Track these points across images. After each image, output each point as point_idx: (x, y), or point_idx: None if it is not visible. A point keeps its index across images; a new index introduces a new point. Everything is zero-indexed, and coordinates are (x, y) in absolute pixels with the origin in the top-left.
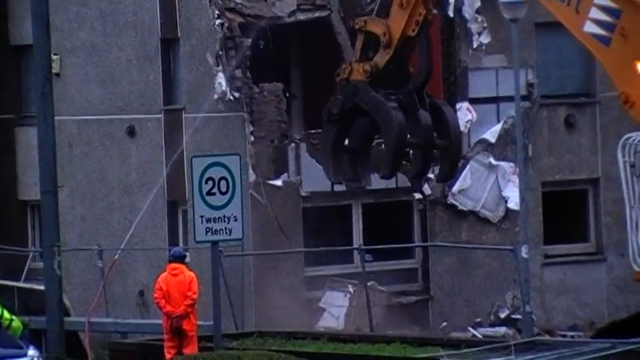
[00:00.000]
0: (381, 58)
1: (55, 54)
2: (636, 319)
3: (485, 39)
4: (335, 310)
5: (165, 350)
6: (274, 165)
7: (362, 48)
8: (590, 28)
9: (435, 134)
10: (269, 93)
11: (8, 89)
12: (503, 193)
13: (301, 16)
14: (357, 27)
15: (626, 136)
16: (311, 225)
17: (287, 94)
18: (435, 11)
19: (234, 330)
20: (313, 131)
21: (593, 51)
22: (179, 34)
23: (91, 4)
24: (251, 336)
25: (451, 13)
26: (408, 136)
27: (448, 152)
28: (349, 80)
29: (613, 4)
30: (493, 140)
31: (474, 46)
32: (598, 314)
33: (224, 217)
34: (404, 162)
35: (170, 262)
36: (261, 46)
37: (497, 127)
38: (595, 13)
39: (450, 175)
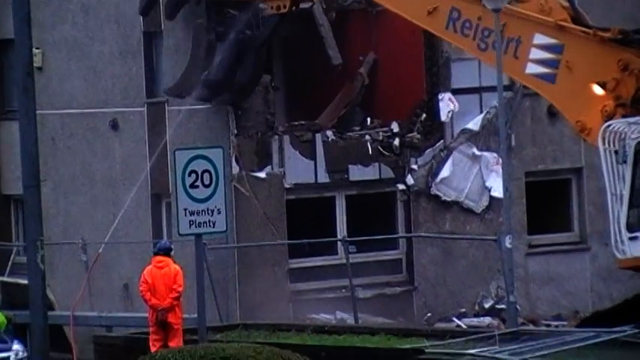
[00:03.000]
0: None
1: (37, 48)
2: (620, 309)
3: None
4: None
5: (151, 343)
6: (258, 157)
7: None
8: (532, 69)
9: None
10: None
11: None
12: (487, 184)
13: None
14: None
15: (607, 124)
16: (295, 217)
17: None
18: None
19: (219, 323)
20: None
21: (540, 91)
22: (162, 27)
23: None
24: (235, 328)
25: None
26: None
27: None
28: None
29: (554, 41)
30: (476, 129)
31: None
32: (582, 303)
33: (208, 209)
34: None
35: (155, 254)
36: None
37: (480, 117)
38: (536, 54)
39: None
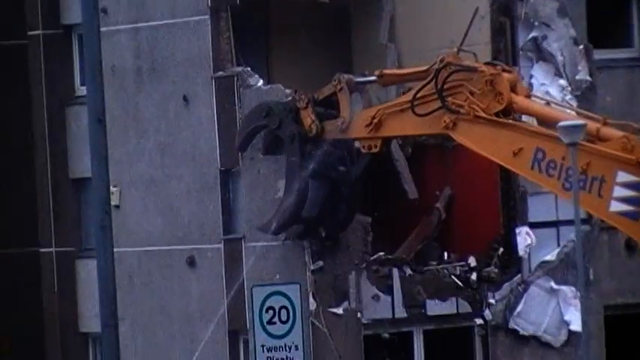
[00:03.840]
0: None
1: (114, 186)
2: None
3: None
4: None
5: None
6: (335, 293)
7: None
8: (616, 207)
9: None
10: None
11: (68, 222)
12: (565, 318)
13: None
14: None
15: None
16: (372, 353)
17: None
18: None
19: None
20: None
21: (622, 228)
22: (240, 164)
23: (149, 136)
24: None
25: None
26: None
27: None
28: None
29: (637, 178)
30: (554, 262)
31: None
32: None
33: (285, 345)
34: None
35: None
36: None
37: (557, 251)
38: (619, 192)
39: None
